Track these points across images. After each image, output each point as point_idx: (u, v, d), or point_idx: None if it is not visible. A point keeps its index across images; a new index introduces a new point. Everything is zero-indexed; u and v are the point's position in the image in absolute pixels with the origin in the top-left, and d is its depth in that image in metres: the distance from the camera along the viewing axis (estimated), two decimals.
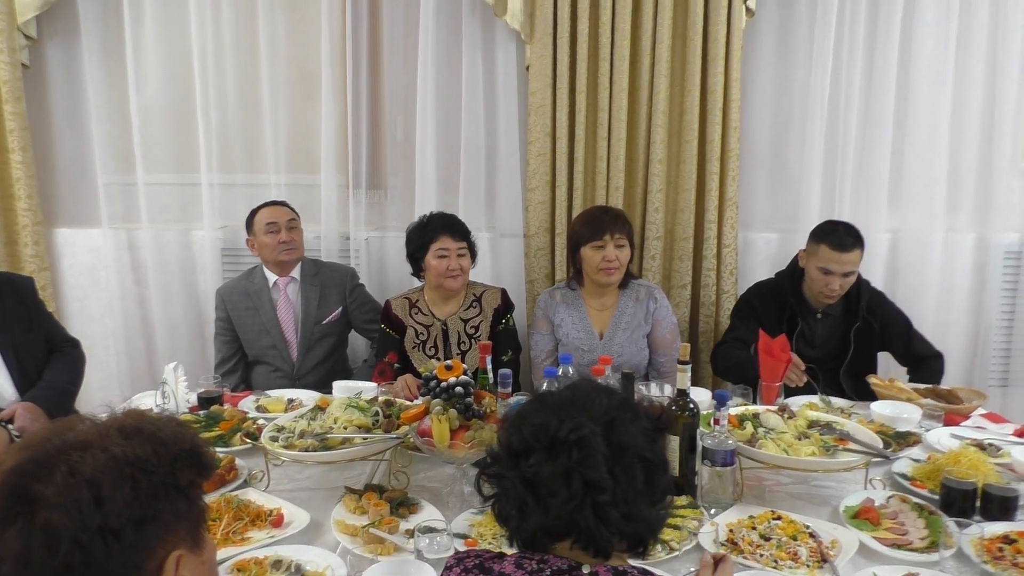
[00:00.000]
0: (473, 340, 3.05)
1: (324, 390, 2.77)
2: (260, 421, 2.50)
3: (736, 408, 2.33)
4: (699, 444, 2.10)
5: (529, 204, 3.55)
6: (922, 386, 2.78)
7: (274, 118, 3.64)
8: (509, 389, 2.14)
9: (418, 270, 3.07)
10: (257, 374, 3.32)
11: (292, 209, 3.33)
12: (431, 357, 3.01)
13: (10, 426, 2.34)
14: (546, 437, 1.25)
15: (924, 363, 3.02)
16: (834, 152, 3.55)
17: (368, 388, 2.65)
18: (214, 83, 3.60)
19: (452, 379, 2.02)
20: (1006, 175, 3.55)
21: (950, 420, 2.60)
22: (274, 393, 2.87)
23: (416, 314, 3.08)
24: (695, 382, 3.37)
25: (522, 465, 1.27)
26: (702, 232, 3.55)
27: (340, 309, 3.32)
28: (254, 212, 3.30)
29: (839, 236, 2.89)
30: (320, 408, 2.26)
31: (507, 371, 2.15)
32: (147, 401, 2.65)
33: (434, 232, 2.99)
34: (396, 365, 2.97)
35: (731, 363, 3.01)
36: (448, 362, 2.05)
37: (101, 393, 3.63)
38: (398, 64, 3.66)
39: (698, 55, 3.38)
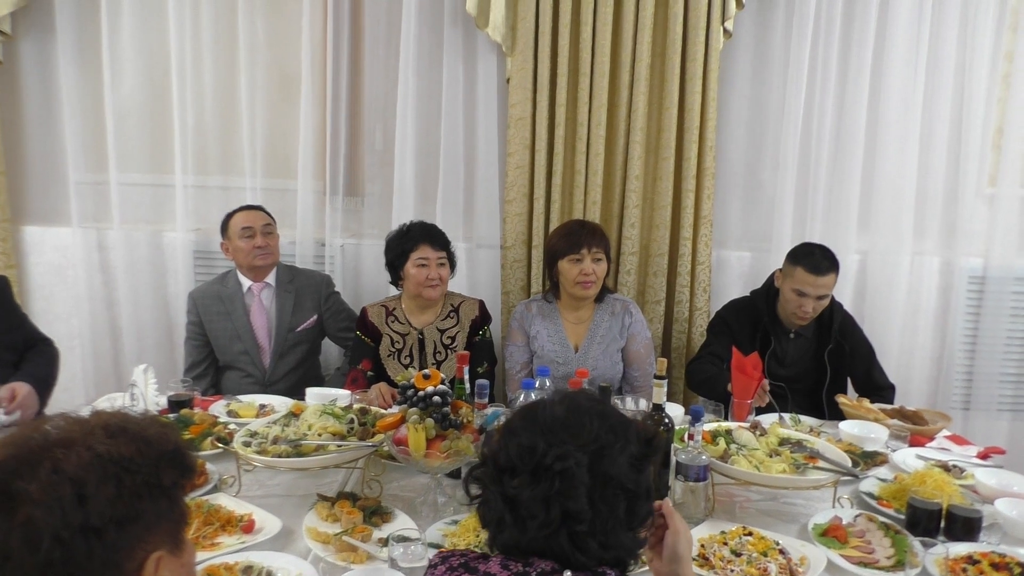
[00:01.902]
0: (449, 350, 3.04)
1: (295, 397, 2.75)
2: (231, 426, 2.48)
3: (710, 424, 2.35)
4: (673, 459, 2.12)
5: (507, 215, 3.56)
6: (889, 407, 2.82)
7: (251, 120, 3.62)
8: (486, 399, 2.15)
9: (396, 278, 3.07)
10: (227, 379, 3.29)
11: (268, 214, 3.30)
12: (406, 366, 3.00)
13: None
14: (531, 460, 1.24)
15: (878, 393, 3.05)
16: (806, 173, 3.60)
17: (343, 395, 2.64)
18: (191, 83, 3.58)
19: (430, 388, 2.01)
20: (971, 201, 3.61)
21: (915, 441, 2.63)
22: (245, 398, 2.84)
23: (392, 322, 3.07)
24: (668, 397, 3.39)
25: (505, 482, 1.26)
26: (677, 248, 3.57)
27: (315, 317, 3.31)
28: (229, 216, 3.27)
29: (815, 260, 2.92)
30: (294, 414, 2.25)
31: (484, 382, 2.16)
32: (114, 403, 2.60)
33: (414, 241, 2.99)
34: (370, 373, 2.96)
35: (703, 377, 3.03)
36: (426, 371, 2.04)
37: (65, 395, 3.53)
38: (379, 71, 3.66)
39: (676, 73, 3.42)
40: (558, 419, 1.28)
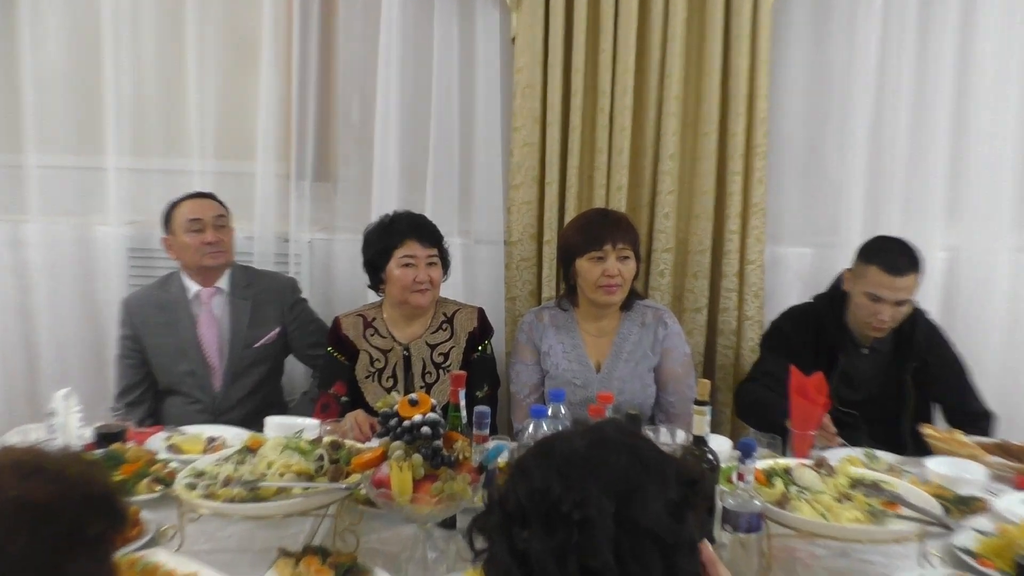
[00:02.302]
0: (441, 370, 3.03)
1: (252, 429, 2.73)
2: (173, 464, 2.48)
3: (764, 461, 2.31)
4: (718, 504, 2.08)
5: (512, 205, 3.55)
6: (988, 440, 2.79)
7: (201, 91, 3.63)
8: (487, 431, 2.13)
9: (377, 282, 3.07)
10: (170, 406, 3.28)
11: (221, 203, 3.30)
12: (389, 389, 2.99)
13: None
14: (544, 505, 1.22)
15: (974, 422, 3.01)
16: (881, 151, 3.57)
17: (310, 426, 2.62)
18: (128, 48, 3.60)
19: (417, 417, 1.98)
20: None
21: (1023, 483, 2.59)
22: (191, 429, 2.83)
23: (372, 336, 3.06)
24: (712, 427, 3.35)
25: (514, 533, 1.24)
26: (721, 244, 3.56)
27: (277, 330, 3.30)
28: (173, 205, 3.26)
29: (892, 256, 2.90)
30: (250, 450, 2.23)
31: (484, 409, 2.15)
32: (28, 437, 2.59)
33: (399, 235, 2.98)
34: (344, 398, 2.95)
35: (753, 399, 3.02)
36: (412, 396, 2.02)
37: None
38: (356, 29, 3.67)
39: (719, 31, 3.40)
40: (578, 455, 1.26)
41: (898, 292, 2.89)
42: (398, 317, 3.07)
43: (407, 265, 2.96)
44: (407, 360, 3.04)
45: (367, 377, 3.04)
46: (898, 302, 2.90)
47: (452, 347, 3.06)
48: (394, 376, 3.03)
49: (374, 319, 3.10)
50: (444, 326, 3.08)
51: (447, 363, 3.04)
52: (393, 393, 2.23)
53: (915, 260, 2.92)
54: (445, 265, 3.08)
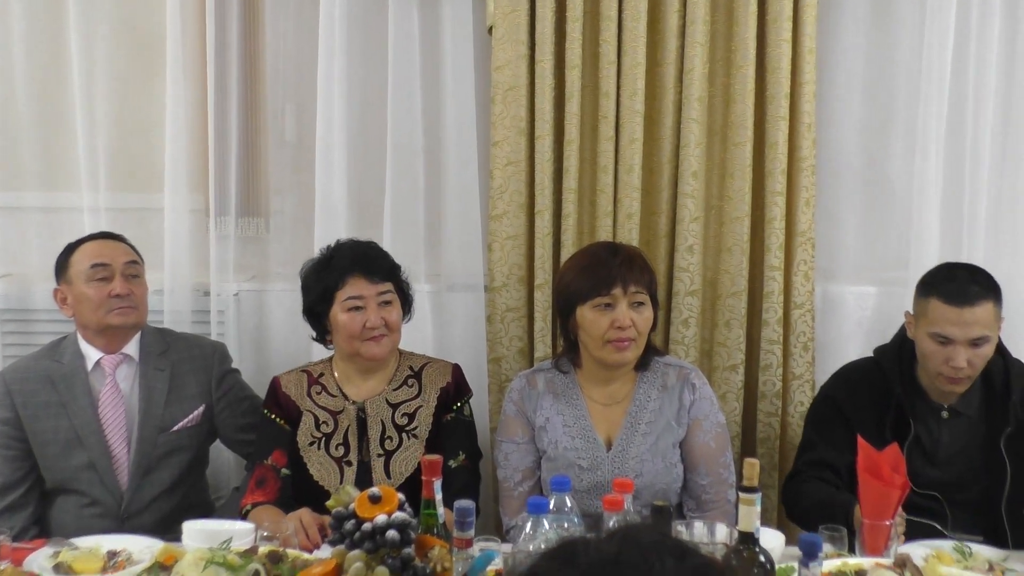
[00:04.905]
0: (405, 434, 3.05)
1: (167, 537, 2.69)
2: None
3: (829, 562, 2.30)
4: None
5: (493, 240, 3.56)
6: None
7: (89, 105, 3.63)
8: (471, 532, 2.10)
9: (322, 333, 3.09)
10: (60, 511, 3.24)
11: (133, 248, 3.29)
12: (338, 459, 3.01)
13: None
14: None
15: None
16: (960, 164, 3.58)
17: (241, 532, 2.58)
18: None
19: (381, 518, 1.98)
20: None
21: None
22: (85, 542, 2.75)
23: (319, 394, 3.09)
24: None
25: None
26: (760, 284, 3.57)
27: (201, 408, 3.29)
28: (71, 248, 3.25)
29: (957, 285, 2.89)
30: (163, 567, 2.24)
31: (468, 504, 2.12)
32: None
33: (339, 272, 3.01)
34: (284, 470, 2.97)
35: (809, 504, 2.98)
36: (374, 490, 2.02)
37: None
38: (288, 22, 3.70)
39: (752, 14, 3.43)
40: (609, 559, 1.23)
41: (970, 328, 2.86)
42: (351, 372, 3.09)
43: (353, 308, 2.97)
44: (362, 423, 3.05)
45: (311, 444, 3.04)
46: (973, 342, 2.87)
47: (419, 407, 3.07)
48: (345, 443, 3.04)
49: (321, 375, 3.11)
50: (410, 381, 3.10)
51: (413, 426, 3.05)
52: (346, 486, 2.21)
53: (990, 286, 2.91)
54: (406, 303, 3.10)
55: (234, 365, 3.45)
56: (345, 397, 3.07)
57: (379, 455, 3.01)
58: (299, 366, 3.19)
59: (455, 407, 3.10)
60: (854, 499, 2.68)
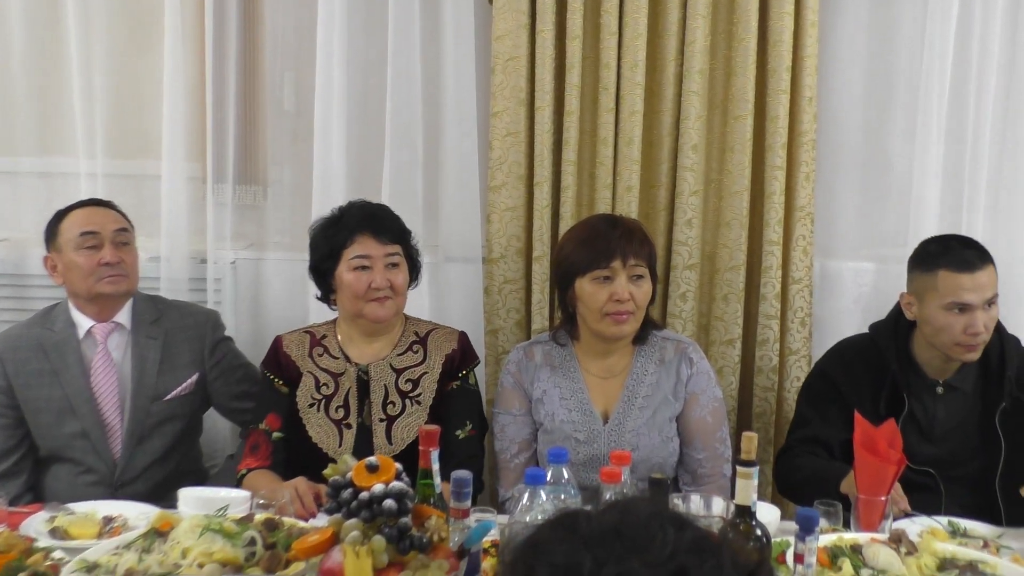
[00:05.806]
0: (409, 400, 3.04)
1: (162, 504, 2.70)
2: (57, 554, 2.41)
3: (825, 537, 2.30)
4: None
5: (492, 211, 3.56)
6: None
7: (87, 74, 3.63)
8: (468, 502, 2.11)
9: (328, 292, 3.09)
10: (54, 478, 3.25)
11: (123, 215, 3.28)
12: (338, 421, 3.01)
13: None
14: None
15: None
16: (961, 139, 3.58)
17: (237, 499, 2.59)
18: None
19: (378, 487, 1.97)
20: None
21: None
22: (80, 508, 2.77)
23: (320, 356, 3.09)
24: None
25: None
26: (759, 258, 3.57)
27: (195, 376, 3.29)
28: (61, 215, 3.23)
29: (958, 253, 2.92)
30: (159, 533, 2.22)
31: (465, 474, 2.12)
32: None
33: (348, 231, 3.01)
34: (276, 434, 2.98)
35: (801, 477, 3.00)
36: (371, 460, 2.00)
37: None
38: None
39: None
40: (609, 528, 1.23)
41: (984, 290, 2.89)
42: (355, 335, 3.09)
43: (360, 268, 2.97)
44: (364, 385, 3.05)
45: (311, 406, 3.04)
46: (988, 302, 2.91)
47: (424, 373, 3.07)
48: (346, 405, 3.04)
49: (324, 336, 3.11)
50: (415, 347, 3.10)
51: (416, 392, 3.05)
52: (344, 456, 2.20)
53: (981, 249, 2.95)
54: (413, 269, 3.10)
55: (229, 333, 3.45)
56: (347, 359, 3.07)
57: (381, 420, 3.02)
58: (302, 327, 3.19)
59: (460, 375, 3.10)
60: (847, 467, 2.68)
